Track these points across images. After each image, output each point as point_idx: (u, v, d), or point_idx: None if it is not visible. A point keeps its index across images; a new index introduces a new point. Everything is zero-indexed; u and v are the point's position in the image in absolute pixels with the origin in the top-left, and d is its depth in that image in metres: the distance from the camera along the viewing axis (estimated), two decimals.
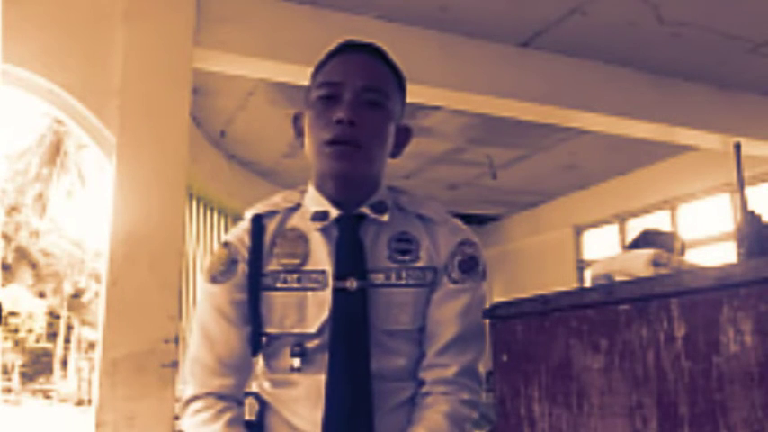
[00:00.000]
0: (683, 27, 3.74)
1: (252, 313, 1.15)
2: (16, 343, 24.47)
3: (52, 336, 25.42)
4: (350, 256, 1.14)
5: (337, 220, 1.16)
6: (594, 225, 6.97)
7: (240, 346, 1.15)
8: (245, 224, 1.21)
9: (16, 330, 24.31)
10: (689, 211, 5.92)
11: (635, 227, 6.29)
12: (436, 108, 4.49)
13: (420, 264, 1.16)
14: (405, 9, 3.58)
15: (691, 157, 5.59)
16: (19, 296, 23.10)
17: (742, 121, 4.49)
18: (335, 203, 1.17)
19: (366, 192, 1.18)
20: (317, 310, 1.12)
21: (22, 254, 21.93)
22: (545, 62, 4.00)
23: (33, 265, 22.44)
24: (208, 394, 1.14)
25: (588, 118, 4.22)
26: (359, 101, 1.13)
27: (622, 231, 6.57)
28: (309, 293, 1.13)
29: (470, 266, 1.18)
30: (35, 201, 19.89)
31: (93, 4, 3.19)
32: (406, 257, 1.16)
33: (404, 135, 1.24)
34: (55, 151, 18.70)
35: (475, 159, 5.97)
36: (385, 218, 1.17)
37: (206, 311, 1.17)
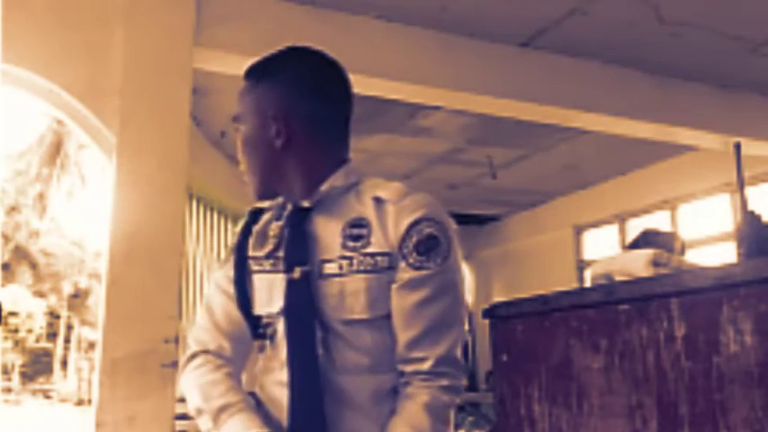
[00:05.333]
0: (683, 27, 3.74)
1: (242, 296, 1.20)
2: (16, 343, 24.46)
3: (52, 336, 25.41)
4: (294, 248, 1.15)
5: (288, 214, 1.21)
6: (594, 225, 6.97)
7: (237, 317, 1.20)
8: (246, 216, 1.29)
9: (16, 330, 24.29)
10: (689, 211, 5.92)
11: (635, 227, 6.29)
12: (436, 108, 4.49)
13: (370, 249, 1.11)
14: (405, 9, 3.58)
15: (691, 157, 5.59)
16: (19, 296, 23.07)
17: (742, 121, 4.49)
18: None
19: (306, 186, 1.18)
20: (280, 292, 1.15)
21: (21, 254, 21.91)
22: (545, 62, 4.00)
23: (33, 265, 22.42)
24: (206, 351, 1.21)
25: (588, 118, 4.22)
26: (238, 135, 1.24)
27: (622, 231, 6.57)
28: (279, 276, 1.15)
29: (430, 247, 1.09)
30: (35, 201, 19.86)
31: (93, 4, 3.19)
32: (358, 243, 1.12)
33: (281, 119, 1.18)
34: (55, 151, 18.65)
35: (475, 159, 5.97)
36: (329, 206, 1.17)
37: (210, 290, 1.27)
